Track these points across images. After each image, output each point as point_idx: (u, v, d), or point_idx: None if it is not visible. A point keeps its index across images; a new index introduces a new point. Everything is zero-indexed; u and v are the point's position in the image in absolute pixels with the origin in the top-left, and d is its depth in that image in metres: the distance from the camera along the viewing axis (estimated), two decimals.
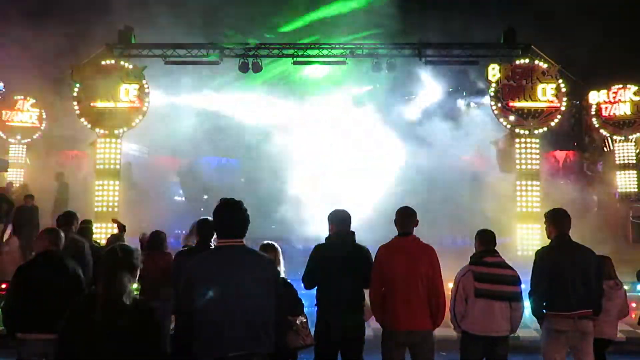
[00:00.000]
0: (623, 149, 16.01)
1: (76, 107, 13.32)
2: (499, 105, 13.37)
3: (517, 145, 13.41)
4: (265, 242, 5.15)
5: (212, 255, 3.48)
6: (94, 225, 8.62)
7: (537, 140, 13.49)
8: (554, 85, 13.31)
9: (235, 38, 14.71)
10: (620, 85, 15.66)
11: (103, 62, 13.52)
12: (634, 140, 15.92)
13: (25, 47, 13.38)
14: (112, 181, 13.39)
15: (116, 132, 13.42)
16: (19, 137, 16.35)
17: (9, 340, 4.71)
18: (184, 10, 14.39)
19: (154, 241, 6.77)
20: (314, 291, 5.06)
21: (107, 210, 12.90)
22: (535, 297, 4.99)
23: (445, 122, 15.94)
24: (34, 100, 16.35)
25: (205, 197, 16.93)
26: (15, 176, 15.95)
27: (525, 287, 5.04)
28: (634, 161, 15.94)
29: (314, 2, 15.73)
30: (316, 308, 5.03)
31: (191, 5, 14.54)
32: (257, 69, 14.47)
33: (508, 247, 11.40)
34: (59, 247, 4.80)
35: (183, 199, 18.13)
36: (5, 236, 12.53)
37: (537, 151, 13.50)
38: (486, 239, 5.17)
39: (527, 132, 13.33)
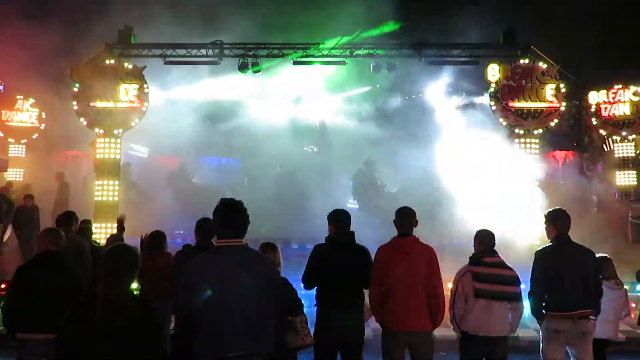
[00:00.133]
0: (623, 149, 16.01)
1: (75, 107, 13.31)
2: (499, 105, 13.37)
3: (517, 146, 13.37)
4: (265, 242, 5.15)
5: (212, 255, 3.48)
6: (94, 225, 8.62)
7: (537, 141, 13.51)
8: (553, 86, 13.32)
9: (235, 38, 14.68)
10: (620, 86, 15.63)
11: (103, 62, 13.51)
12: (633, 140, 15.92)
13: (24, 47, 13.37)
14: (112, 181, 13.37)
15: (115, 132, 13.41)
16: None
17: (9, 340, 4.70)
18: (183, 10, 14.40)
19: (154, 241, 6.76)
20: (313, 291, 5.06)
21: (106, 210, 12.89)
22: (535, 297, 4.99)
23: None
24: (34, 100, 16.34)
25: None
26: (15, 176, 15.93)
27: (524, 287, 5.04)
28: (634, 159, 15.93)
29: (314, 2, 15.70)
30: (316, 308, 5.02)
31: (191, 5, 14.55)
32: (254, 64, 14.40)
33: None
34: (59, 247, 4.79)
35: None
36: (5, 236, 12.53)
37: (537, 151, 13.51)
38: (485, 239, 5.17)
39: (526, 132, 13.34)
